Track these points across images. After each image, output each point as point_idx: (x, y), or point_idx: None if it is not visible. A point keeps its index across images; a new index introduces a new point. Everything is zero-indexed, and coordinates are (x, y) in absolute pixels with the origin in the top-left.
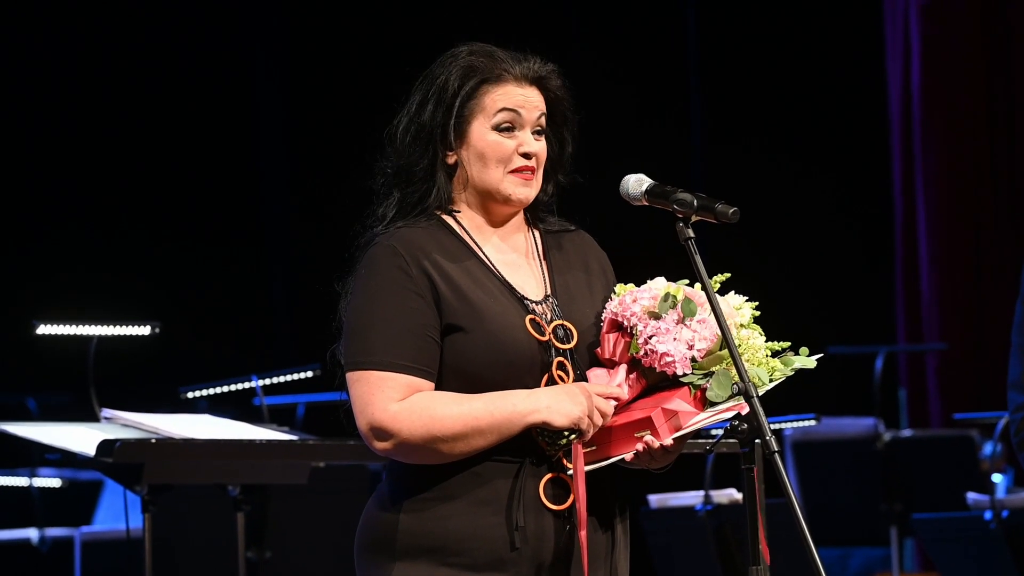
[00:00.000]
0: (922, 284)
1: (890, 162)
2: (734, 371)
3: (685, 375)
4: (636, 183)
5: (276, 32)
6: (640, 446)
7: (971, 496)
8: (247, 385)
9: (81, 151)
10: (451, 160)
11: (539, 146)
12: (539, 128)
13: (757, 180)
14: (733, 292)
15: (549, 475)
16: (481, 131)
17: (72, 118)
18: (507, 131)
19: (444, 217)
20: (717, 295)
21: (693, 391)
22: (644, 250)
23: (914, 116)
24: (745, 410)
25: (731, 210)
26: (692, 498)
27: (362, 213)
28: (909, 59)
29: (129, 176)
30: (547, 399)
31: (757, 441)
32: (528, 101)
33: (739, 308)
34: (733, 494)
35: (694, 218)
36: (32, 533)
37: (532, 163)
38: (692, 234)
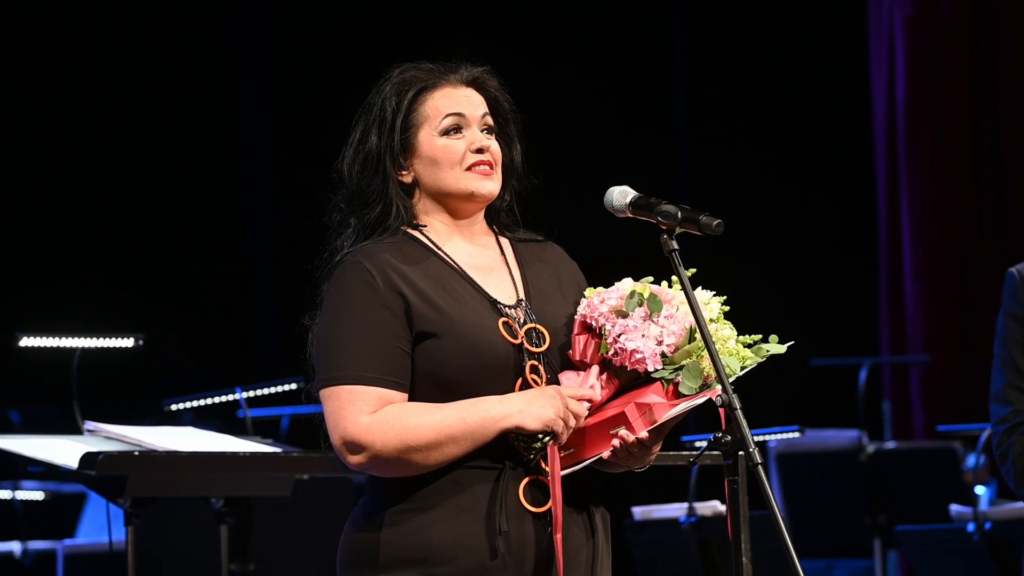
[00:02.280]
0: (906, 296)
1: (874, 174)
2: (704, 363)
3: (656, 371)
4: (620, 195)
5: (261, 45)
6: (616, 442)
7: (954, 508)
8: (231, 397)
9: (64, 163)
10: (407, 179)
11: (491, 142)
12: (487, 127)
13: (742, 192)
14: (700, 287)
15: (528, 478)
16: (429, 139)
17: (55, 130)
18: (455, 133)
19: (410, 231)
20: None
21: (665, 386)
22: (630, 261)
23: (899, 128)
24: (717, 395)
25: (715, 222)
26: (676, 510)
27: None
28: (894, 71)
29: (113, 188)
30: (519, 403)
31: (741, 453)
32: (469, 100)
33: (707, 303)
34: (717, 506)
35: (678, 230)
36: (15, 546)
37: (487, 158)
38: (676, 246)
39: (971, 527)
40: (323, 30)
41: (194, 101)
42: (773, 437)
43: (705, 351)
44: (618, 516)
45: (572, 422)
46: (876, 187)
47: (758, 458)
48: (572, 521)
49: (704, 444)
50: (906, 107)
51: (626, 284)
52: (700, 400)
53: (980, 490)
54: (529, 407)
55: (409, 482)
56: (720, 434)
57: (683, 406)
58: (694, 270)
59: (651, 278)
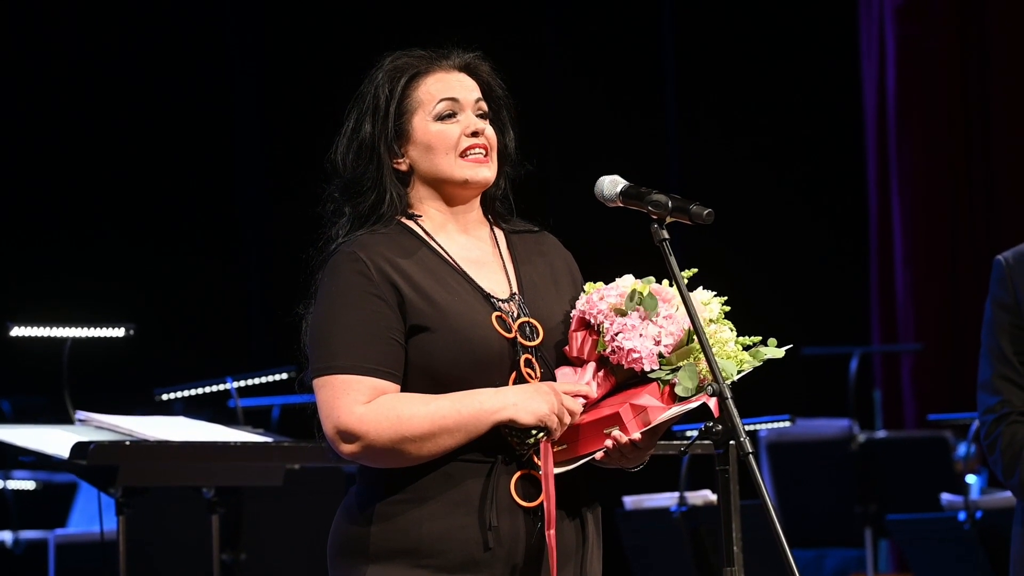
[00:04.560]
0: (897, 285)
1: (865, 162)
2: (701, 365)
3: (652, 371)
4: (611, 184)
5: (253, 36)
6: (609, 442)
7: (945, 497)
8: (222, 387)
9: (55, 153)
10: (402, 167)
11: (485, 126)
12: (481, 112)
13: (732, 180)
14: (701, 287)
15: (520, 472)
16: (423, 125)
17: (45, 121)
18: (449, 118)
19: (404, 221)
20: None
21: (661, 387)
22: (619, 250)
23: (889, 116)
24: (712, 399)
25: (705, 211)
26: (667, 499)
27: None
28: (884, 59)
29: (104, 178)
30: (514, 397)
31: (732, 442)
32: (462, 85)
33: (707, 304)
34: (708, 495)
35: (668, 219)
36: (6, 535)
37: (482, 141)
38: (667, 235)
39: (962, 516)
40: (313, 19)
41: (185, 91)
42: (764, 426)
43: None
44: (609, 505)
45: (567, 418)
46: (867, 176)
47: (749, 447)
48: (563, 516)
49: (695, 433)
50: (897, 96)
51: (626, 281)
52: (694, 404)
53: (971, 479)
54: (524, 401)
55: (400, 474)
56: (711, 423)
57: (676, 409)
58: (695, 270)
59: (652, 278)
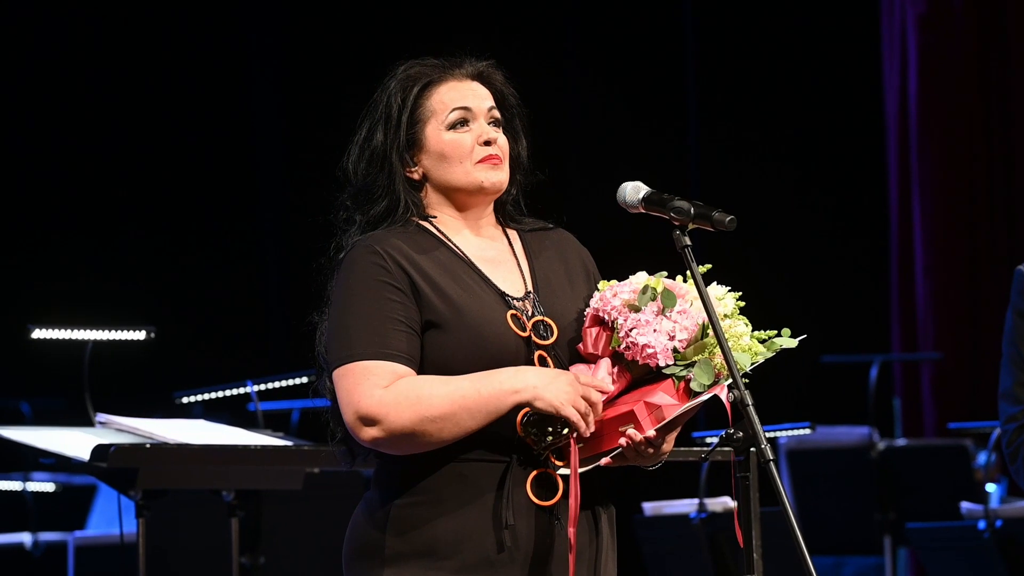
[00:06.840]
0: (917, 293)
1: (886, 171)
2: (716, 359)
3: (667, 366)
4: (633, 191)
5: (272, 38)
6: (624, 440)
7: (965, 505)
8: (242, 390)
9: (76, 156)
10: (415, 176)
11: (498, 135)
12: (494, 119)
13: (753, 188)
14: (716, 283)
15: (535, 472)
16: (436, 134)
17: (67, 123)
18: (462, 126)
19: (420, 223)
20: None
21: (677, 383)
22: (638, 257)
23: (911, 125)
24: (724, 392)
25: (728, 218)
26: (687, 506)
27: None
28: (906, 69)
29: (125, 180)
30: (535, 379)
31: (752, 449)
32: (475, 94)
33: (721, 298)
34: (728, 502)
35: (691, 226)
36: (26, 538)
37: (494, 150)
38: (689, 242)
39: (982, 525)
40: (334, 25)
41: (205, 95)
42: (784, 434)
43: (718, 347)
44: (628, 512)
45: (588, 410)
46: (888, 184)
47: (770, 455)
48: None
49: (716, 440)
50: (918, 104)
51: (640, 278)
52: (707, 396)
53: (991, 487)
54: (544, 387)
55: (415, 475)
56: (732, 430)
57: (689, 404)
58: (710, 266)
59: (665, 273)
